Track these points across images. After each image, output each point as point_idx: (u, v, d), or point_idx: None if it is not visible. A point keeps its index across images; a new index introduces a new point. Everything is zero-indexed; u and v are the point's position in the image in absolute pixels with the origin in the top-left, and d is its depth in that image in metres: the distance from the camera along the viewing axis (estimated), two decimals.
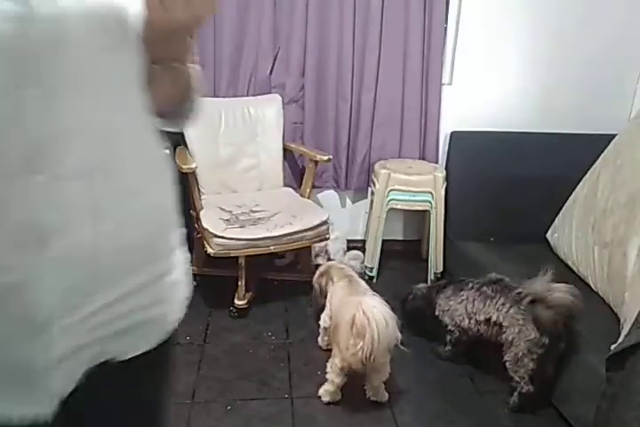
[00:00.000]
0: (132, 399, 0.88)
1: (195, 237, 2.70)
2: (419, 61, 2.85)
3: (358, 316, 1.80)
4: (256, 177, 2.80)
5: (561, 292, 1.81)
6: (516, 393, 1.93)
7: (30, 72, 0.63)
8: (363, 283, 2.15)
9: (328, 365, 1.98)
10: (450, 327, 2.14)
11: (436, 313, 2.18)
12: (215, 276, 2.66)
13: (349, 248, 3.04)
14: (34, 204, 0.65)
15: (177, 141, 2.67)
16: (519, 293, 1.90)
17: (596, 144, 2.42)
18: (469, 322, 2.04)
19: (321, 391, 2.00)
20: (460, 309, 2.06)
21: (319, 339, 2.29)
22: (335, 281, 2.16)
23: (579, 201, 2.39)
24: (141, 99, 0.77)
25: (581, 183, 2.44)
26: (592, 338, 1.83)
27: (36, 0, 0.62)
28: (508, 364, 1.93)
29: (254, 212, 2.50)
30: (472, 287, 2.05)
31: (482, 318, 1.99)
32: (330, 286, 2.18)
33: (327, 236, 2.55)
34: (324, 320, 2.17)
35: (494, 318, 1.95)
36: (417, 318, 2.28)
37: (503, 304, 1.93)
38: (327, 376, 1.98)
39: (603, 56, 2.93)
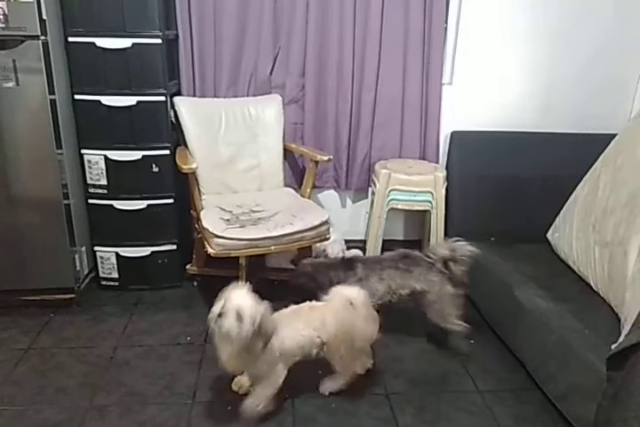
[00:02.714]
0: None
1: (195, 237, 2.70)
2: (419, 61, 2.85)
3: (354, 295, 1.89)
4: (256, 177, 2.80)
5: (462, 248, 2.11)
6: (457, 338, 2.19)
7: None
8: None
9: (349, 367, 1.98)
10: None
11: None
12: (215, 276, 2.66)
13: (349, 248, 3.04)
14: None
15: (177, 141, 2.68)
16: (430, 259, 2.16)
17: (596, 144, 2.42)
18: (392, 297, 2.18)
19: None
20: (382, 288, 2.18)
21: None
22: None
23: (579, 201, 2.39)
24: None
25: (582, 183, 2.44)
26: (592, 337, 1.83)
27: None
28: (434, 319, 2.18)
29: (255, 212, 2.50)
30: (390, 266, 2.20)
31: (406, 291, 2.17)
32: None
33: (327, 236, 2.54)
34: (282, 347, 1.85)
35: (418, 288, 2.16)
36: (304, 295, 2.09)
37: (420, 273, 2.16)
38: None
39: (603, 55, 2.93)
